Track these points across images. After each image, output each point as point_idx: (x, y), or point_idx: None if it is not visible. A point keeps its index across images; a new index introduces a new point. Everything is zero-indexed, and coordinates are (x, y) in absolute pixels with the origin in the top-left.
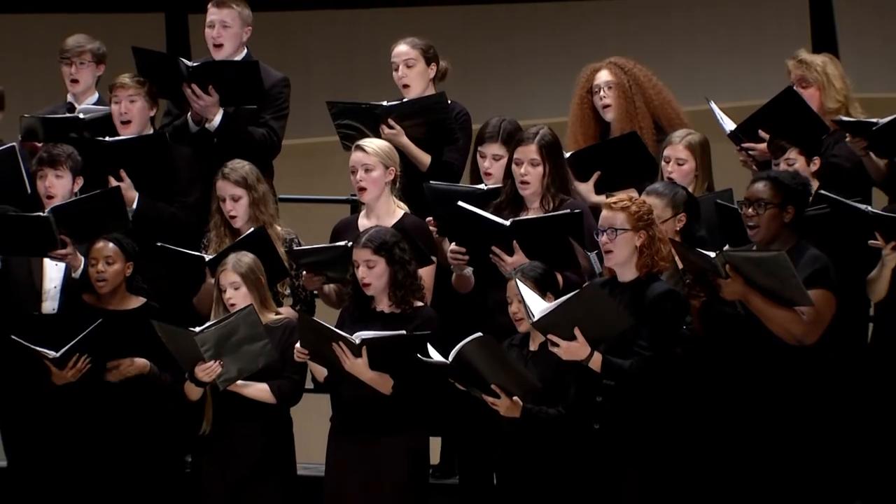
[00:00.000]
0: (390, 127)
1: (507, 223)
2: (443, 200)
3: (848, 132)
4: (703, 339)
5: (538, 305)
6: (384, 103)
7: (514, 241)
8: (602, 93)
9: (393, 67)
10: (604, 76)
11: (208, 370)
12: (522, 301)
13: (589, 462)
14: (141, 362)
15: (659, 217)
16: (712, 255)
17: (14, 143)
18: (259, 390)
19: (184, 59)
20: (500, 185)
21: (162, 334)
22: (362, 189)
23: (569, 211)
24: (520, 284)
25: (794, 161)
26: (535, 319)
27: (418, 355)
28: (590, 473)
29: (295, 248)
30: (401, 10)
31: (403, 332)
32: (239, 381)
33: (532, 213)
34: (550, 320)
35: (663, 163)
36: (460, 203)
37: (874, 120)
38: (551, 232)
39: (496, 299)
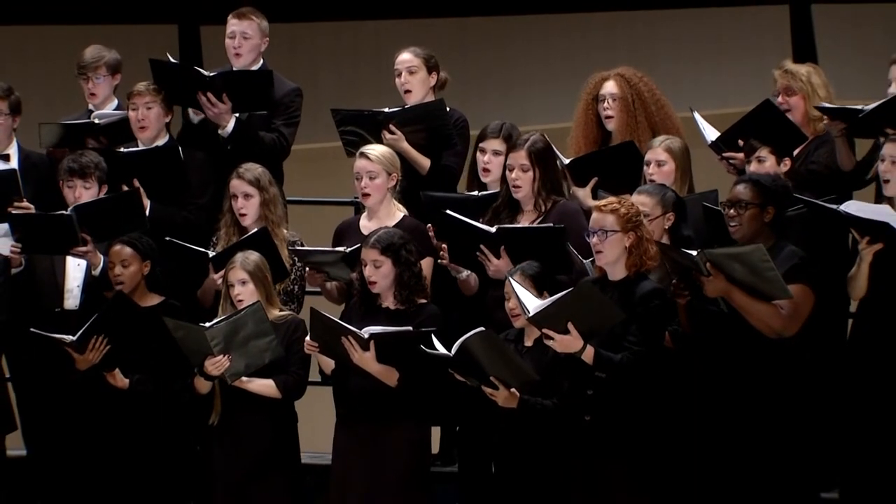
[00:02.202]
0: (391, 133)
1: (493, 230)
2: (438, 207)
3: (830, 116)
4: (690, 335)
5: (532, 302)
6: (386, 110)
7: (502, 247)
8: (606, 103)
9: (396, 74)
10: (610, 87)
11: (217, 364)
12: (517, 298)
13: (581, 451)
14: (122, 382)
15: (648, 214)
16: (694, 253)
17: (15, 167)
18: (264, 385)
19: (198, 69)
20: (493, 192)
21: (173, 330)
22: (366, 195)
23: (552, 225)
24: (514, 282)
25: (766, 159)
26: (530, 314)
27: (422, 347)
28: (582, 462)
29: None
30: (402, 22)
31: (410, 327)
32: (244, 377)
33: (527, 216)
34: (545, 315)
35: (644, 166)
36: (448, 212)
37: (859, 107)
38: (535, 241)
39: (493, 296)
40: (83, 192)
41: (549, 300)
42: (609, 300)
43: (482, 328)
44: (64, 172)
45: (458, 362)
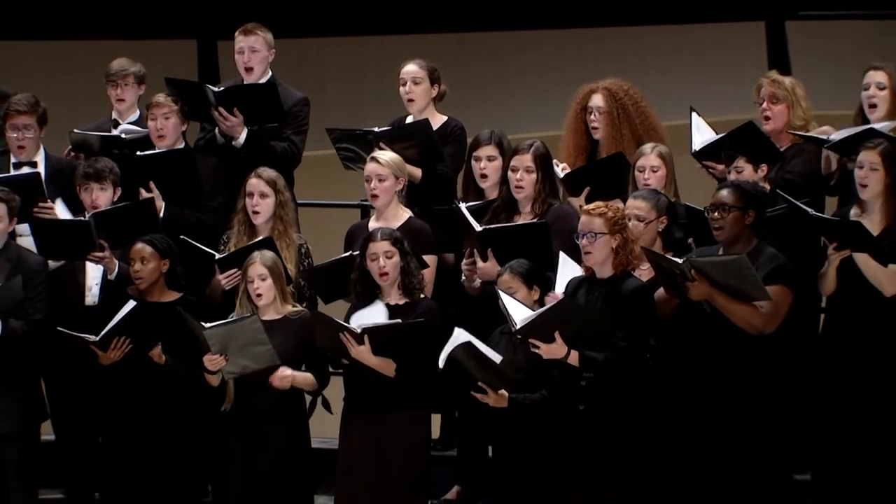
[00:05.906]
0: (382, 150)
1: (479, 228)
2: (434, 218)
3: (802, 140)
4: (675, 329)
5: (520, 314)
6: (375, 129)
7: (489, 249)
8: (593, 115)
9: (401, 83)
10: (597, 101)
11: (213, 361)
12: (505, 311)
13: (574, 439)
14: (158, 354)
15: (644, 217)
16: (680, 261)
17: (39, 171)
18: (305, 378)
19: (209, 86)
20: (475, 203)
21: (188, 321)
22: (374, 196)
23: (535, 221)
24: (502, 296)
25: (743, 168)
26: (517, 328)
27: (478, 347)
28: (575, 450)
29: (306, 260)
30: (404, 37)
31: (400, 320)
32: (291, 372)
33: (524, 217)
34: (531, 328)
35: (637, 172)
36: (460, 205)
37: (825, 137)
38: (520, 239)
39: (492, 291)
40: (99, 195)
41: (533, 314)
42: (591, 312)
43: (463, 341)
44: (81, 177)
45: (450, 372)
